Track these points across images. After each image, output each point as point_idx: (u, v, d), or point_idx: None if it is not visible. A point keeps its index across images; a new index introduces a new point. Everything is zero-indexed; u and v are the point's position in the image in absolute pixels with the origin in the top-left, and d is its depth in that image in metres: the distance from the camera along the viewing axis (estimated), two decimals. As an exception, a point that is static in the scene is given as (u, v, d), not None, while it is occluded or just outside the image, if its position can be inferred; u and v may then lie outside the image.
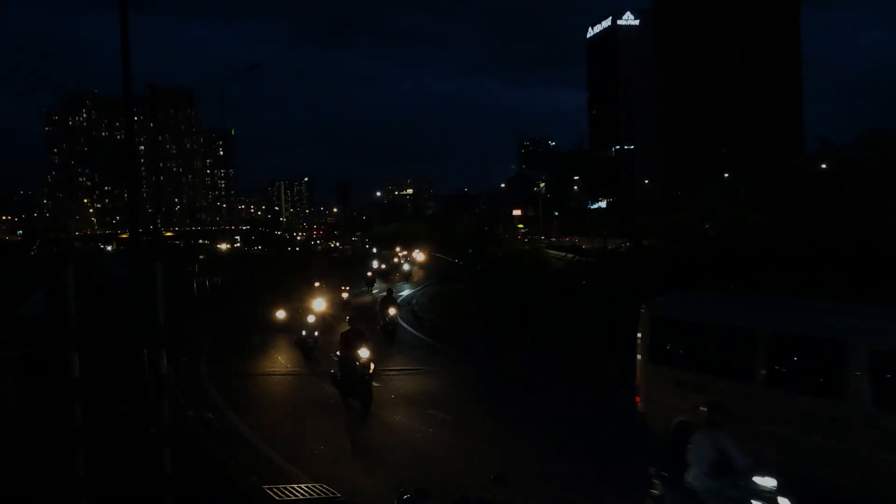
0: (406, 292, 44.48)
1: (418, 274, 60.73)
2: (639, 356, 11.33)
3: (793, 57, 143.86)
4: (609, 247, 40.93)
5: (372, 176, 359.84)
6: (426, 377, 19.37)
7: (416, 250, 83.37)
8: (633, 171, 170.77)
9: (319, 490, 9.97)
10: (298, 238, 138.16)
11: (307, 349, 22.27)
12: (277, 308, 29.02)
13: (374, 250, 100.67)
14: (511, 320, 25.85)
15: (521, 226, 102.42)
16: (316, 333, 22.50)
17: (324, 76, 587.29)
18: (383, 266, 58.35)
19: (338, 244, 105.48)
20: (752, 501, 6.91)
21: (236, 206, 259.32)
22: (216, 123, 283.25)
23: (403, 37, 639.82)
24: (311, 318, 23.08)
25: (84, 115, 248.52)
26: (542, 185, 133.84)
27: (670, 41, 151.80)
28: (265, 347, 24.85)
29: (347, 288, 38.02)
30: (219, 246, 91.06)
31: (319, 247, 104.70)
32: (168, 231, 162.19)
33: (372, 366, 15.19)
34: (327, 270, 57.07)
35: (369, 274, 47.39)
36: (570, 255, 35.46)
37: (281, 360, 22.54)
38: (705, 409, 7.40)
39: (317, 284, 38.24)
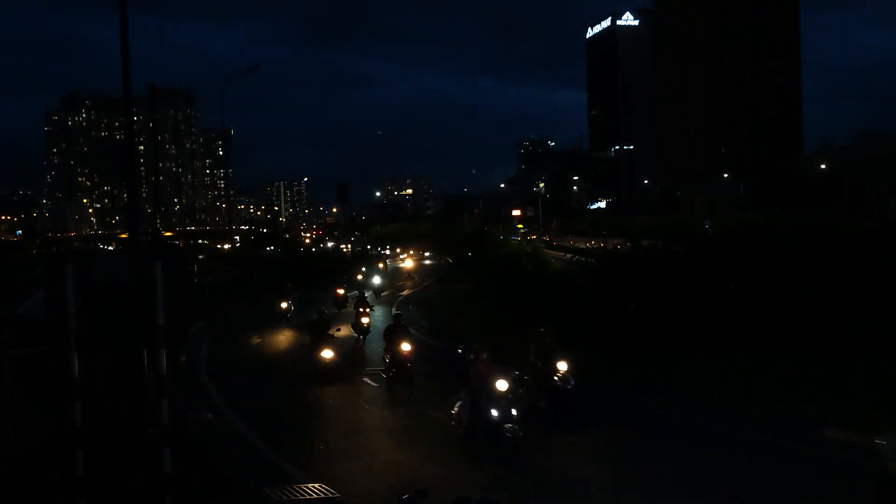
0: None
1: (406, 285, 51.00)
2: None
3: (792, 57, 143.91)
4: (609, 247, 40.96)
5: (372, 176, 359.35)
6: (426, 378, 19.34)
7: (405, 254, 75.28)
8: (633, 172, 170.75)
9: (319, 490, 9.98)
10: (308, 238, 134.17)
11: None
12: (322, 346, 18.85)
13: (383, 251, 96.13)
14: (512, 321, 25.86)
15: (520, 226, 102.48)
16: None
17: (324, 76, 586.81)
18: (359, 277, 43.72)
19: (349, 246, 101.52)
20: None
21: (235, 207, 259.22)
22: (215, 123, 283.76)
23: (403, 37, 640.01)
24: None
25: (84, 115, 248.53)
26: (542, 185, 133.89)
27: (670, 41, 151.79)
28: (264, 347, 24.86)
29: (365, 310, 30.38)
30: (221, 246, 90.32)
31: (324, 248, 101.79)
32: (167, 231, 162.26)
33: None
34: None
35: (340, 292, 33.19)
36: (569, 255, 35.54)
37: (281, 361, 22.55)
38: None
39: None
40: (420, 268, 67.23)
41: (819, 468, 10.72)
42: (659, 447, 12.16)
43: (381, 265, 57.31)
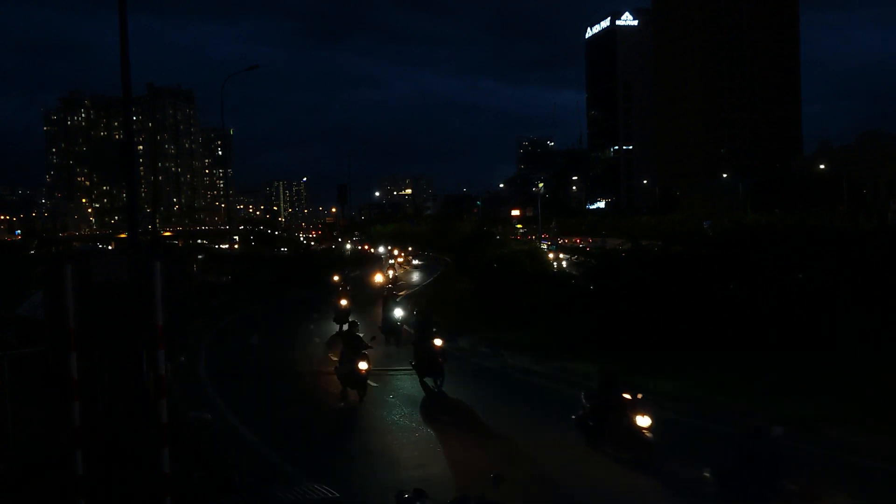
0: None
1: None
2: None
3: (792, 57, 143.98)
4: (608, 247, 40.97)
5: (371, 176, 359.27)
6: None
7: (383, 264, 57.89)
8: (632, 172, 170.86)
9: (319, 490, 9.97)
10: (316, 239, 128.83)
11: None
12: None
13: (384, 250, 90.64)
14: (511, 322, 25.83)
15: (519, 226, 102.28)
16: None
17: (324, 76, 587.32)
18: (343, 303, 28.14)
19: (371, 248, 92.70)
20: None
21: (235, 207, 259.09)
22: (215, 123, 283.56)
23: (403, 37, 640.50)
24: None
25: (83, 115, 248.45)
26: (541, 185, 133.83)
27: (669, 42, 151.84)
28: (264, 348, 24.85)
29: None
30: (224, 246, 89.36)
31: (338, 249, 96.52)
32: (167, 231, 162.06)
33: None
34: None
35: (344, 303, 27.37)
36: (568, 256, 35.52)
37: (280, 361, 22.51)
38: None
39: None
40: (403, 278, 53.11)
41: (818, 468, 10.70)
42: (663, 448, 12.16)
43: (336, 278, 37.38)
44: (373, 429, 14.26)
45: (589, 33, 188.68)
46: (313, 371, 20.64)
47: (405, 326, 24.73)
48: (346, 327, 25.78)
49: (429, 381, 16.99)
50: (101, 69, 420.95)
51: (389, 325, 25.31)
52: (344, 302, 27.58)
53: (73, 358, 7.15)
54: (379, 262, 62.89)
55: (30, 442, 9.09)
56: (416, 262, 69.77)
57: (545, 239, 72.91)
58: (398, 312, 25.64)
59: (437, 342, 17.15)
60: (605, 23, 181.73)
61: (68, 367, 7.16)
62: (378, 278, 43.19)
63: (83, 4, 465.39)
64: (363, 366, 16.28)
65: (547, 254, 55.14)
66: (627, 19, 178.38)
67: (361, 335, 17.42)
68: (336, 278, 41.95)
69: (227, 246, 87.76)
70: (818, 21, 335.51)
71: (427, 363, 17.02)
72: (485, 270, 39.01)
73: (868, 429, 11.63)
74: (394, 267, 54.92)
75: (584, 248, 60.02)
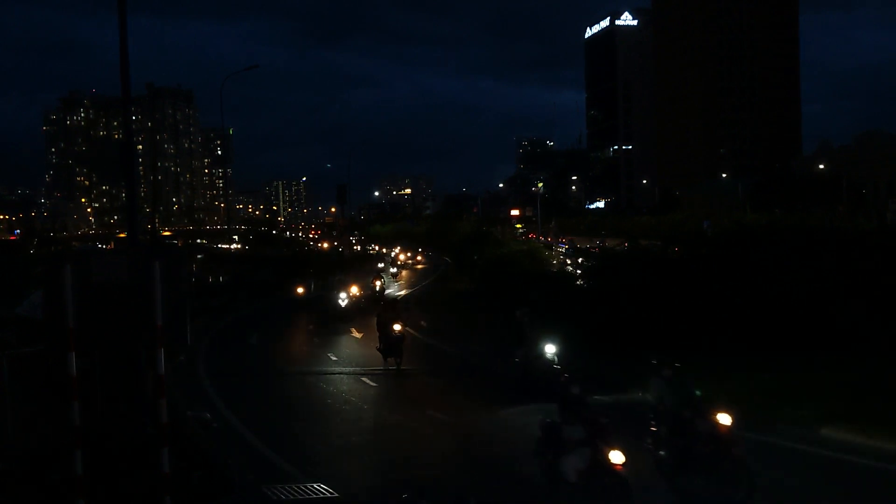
0: None
1: None
2: None
3: (791, 57, 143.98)
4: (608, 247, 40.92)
5: (371, 176, 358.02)
6: (424, 377, 19.34)
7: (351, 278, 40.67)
8: (632, 172, 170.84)
9: (319, 490, 9.96)
10: (327, 242, 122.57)
11: None
12: None
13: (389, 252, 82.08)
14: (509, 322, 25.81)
15: (518, 226, 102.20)
16: None
17: (324, 76, 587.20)
18: (396, 328, 20.88)
19: (382, 248, 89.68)
20: None
21: (234, 206, 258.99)
22: (215, 123, 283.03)
23: (403, 37, 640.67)
24: None
25: (83, 115, 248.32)
26: (541, 185, 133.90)
27: (669, 41, 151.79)
28: (264, 348, 24.84)
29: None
30: (222, 246, 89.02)
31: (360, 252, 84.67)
32: (166, 231, 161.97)
33: None
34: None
35: (397, 328, 20.52)
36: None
37: (279, 361, 22.51)
38: None
39: None
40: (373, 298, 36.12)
41: (819, 468, 10.71)
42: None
43: (300, 290, 34.21)
44: (373, 428, 14.07)
45: (588, 33, 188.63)
46: (312, 371, 20.62)
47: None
48: (395, 364, 19.46)
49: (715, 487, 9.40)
50: (101, 69, 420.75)
51: (540, 370, 16.05)
52: (398, 327, 20.32)
53: (72, 358, 7.14)
54: (377, 266, 57.72)
55: (30, 442, 9.08)
56: (394, 270, 64.36)
57: (562, 242, 70.79)
58: (550, 349, 16.13)
59: (724, 419, 9.31)
60: (605, 23, 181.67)
61: (67, 366, 7.15)
62: (354, 290, 32.94)
63: (83, 4, 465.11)
64: (618, 458, 8.73)
65: (564, 258, 53.80)
66: (627, 19, 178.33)
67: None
68: (300, 290, 38.20)
69: (226, 246, 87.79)
70: (818, 21, 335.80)
71: (709, 458, 9.28)
72: (484, 270, 39.00)
73: (868, 429, 11.62)
74: (380, 276, 43.79)
75: (594, 249, 57.70)
